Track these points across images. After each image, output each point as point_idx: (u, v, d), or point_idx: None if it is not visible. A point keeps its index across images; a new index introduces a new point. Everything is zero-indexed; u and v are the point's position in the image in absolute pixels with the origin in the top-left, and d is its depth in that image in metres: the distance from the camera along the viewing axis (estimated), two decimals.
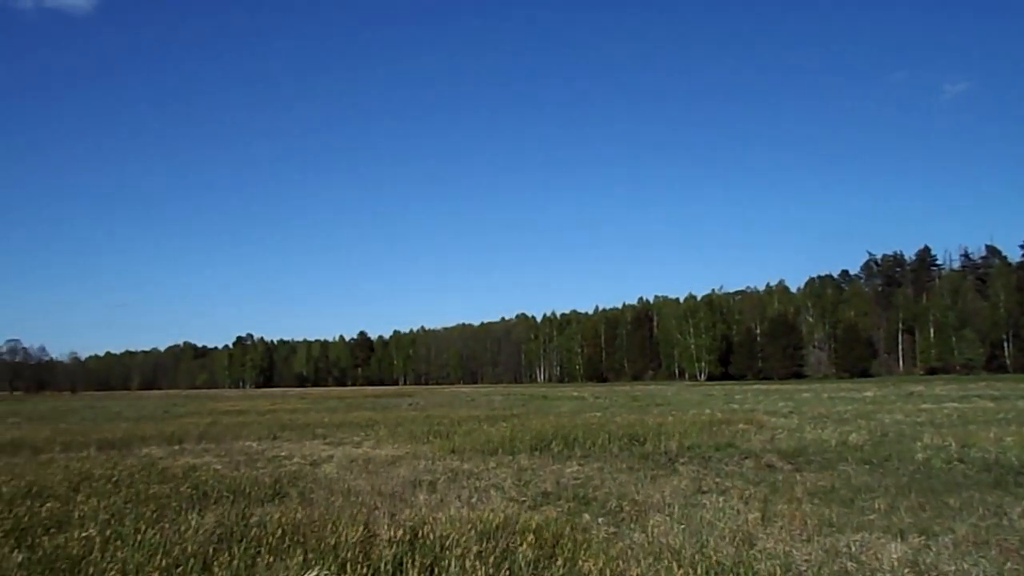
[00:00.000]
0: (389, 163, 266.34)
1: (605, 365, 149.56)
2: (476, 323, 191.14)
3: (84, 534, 7.40)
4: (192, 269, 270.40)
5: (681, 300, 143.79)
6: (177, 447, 19.92)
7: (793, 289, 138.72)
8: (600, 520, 9.34)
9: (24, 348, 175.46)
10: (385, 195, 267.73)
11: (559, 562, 6.80)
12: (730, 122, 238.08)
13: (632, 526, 8.87)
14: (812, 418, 25.46)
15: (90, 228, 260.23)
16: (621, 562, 6.91)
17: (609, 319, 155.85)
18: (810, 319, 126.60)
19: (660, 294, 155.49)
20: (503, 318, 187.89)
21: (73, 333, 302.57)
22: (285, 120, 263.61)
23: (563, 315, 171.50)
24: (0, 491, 10.75)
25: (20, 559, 6.49)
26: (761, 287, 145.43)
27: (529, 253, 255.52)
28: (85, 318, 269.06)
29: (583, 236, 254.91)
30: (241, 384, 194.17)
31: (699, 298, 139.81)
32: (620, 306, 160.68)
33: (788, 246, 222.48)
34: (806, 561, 7.32)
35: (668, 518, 9.22)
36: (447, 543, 7.24)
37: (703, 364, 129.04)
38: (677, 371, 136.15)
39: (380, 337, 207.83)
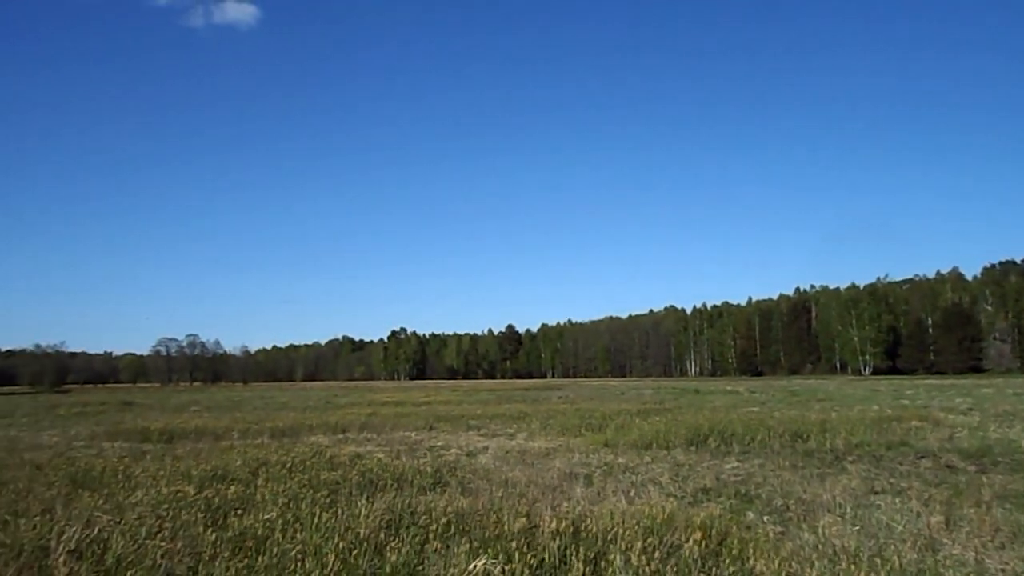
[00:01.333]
0: (532, 156, 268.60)
1: (760, 358, 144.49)
2: (623, 316, 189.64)
3: (266, 516, 7.88)
4: (351, 267, 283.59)
5: (842, 290, 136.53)
6: (341, 436, 20.94)
7: (968, 277, 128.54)
8: (765, 519, 8.98)
9: (202, 342, 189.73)
10: (531, 189, 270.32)
11: (727, 561, 6.57)
12: (894, 100, 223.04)
13: (801, 526, 8.46)
14: (996, 416, 23.47)
15: (260, 232, 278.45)
16: (794, 563, 6.60)
17: (763, 310, 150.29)
18: (989, 308, 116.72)
19: (818, 284, 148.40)
20: (651, 310, 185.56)
21: (244, 328, 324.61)
22: (428, 119, 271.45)
23: (714, 307, 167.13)
24: (190, 474, 11.64)
25: (213, 537, 6.98)
26: (931, 275, 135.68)
27: (677, 244, 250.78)
28: (255, 314, 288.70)
29: (733, 225, 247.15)
30: (396, 376, 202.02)
31: (862, 287, 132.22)
32: (775, 297, 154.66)
33: (958, 232, 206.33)
34: (1001, 571, 6.72)
35: (840, 519, 8.73)
36: (609, 536, 7.17)
37: (867, 357, 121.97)
38: (838, 365, 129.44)
39: (528, 331, 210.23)
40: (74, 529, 6.85)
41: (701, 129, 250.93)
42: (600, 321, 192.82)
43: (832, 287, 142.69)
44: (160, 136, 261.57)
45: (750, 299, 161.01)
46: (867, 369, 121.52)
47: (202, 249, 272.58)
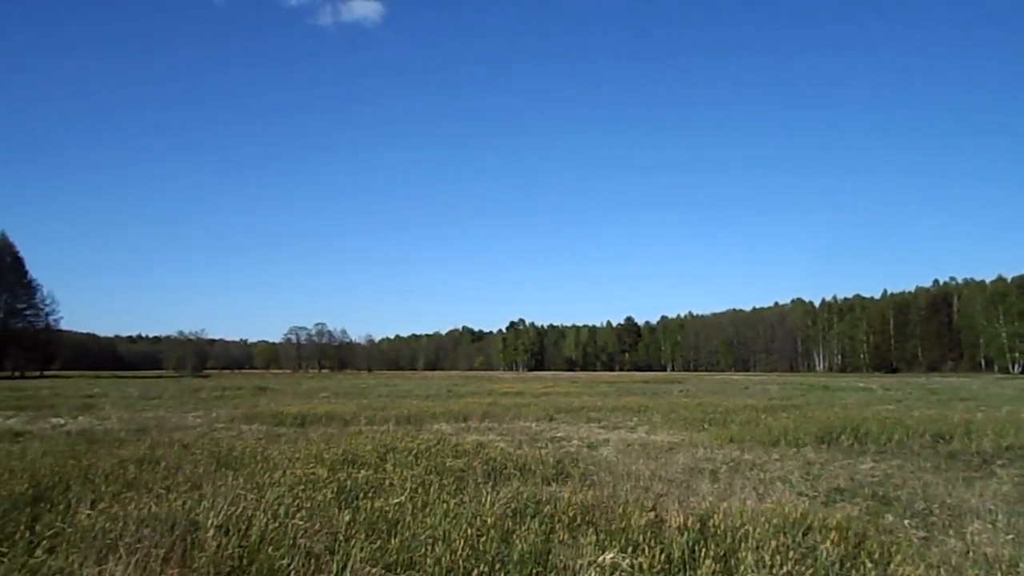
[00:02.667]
0: (656, 147, 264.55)
1: (894, 354, 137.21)
2: (747, 308, 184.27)
3: (396, 500, 8.10)
4: (470, 258, 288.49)
5: (988, 282, 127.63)
6: (463, 424, 21.30)
7: None
8: (907, 522, 8.50)
9: (329, 331, 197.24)
10: (652, 181, 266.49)
11: (867, 564, 6.25)
12: None
13: (947, 532, 7.95)
14: None
15: (383, 225, 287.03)
16: (942, 571, 6.20)
17: (898, 304, 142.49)
18: None
19: (960, 276, 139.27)
20: (776, 303, 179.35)
21: (369, 318, 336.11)
22: (550, 111, 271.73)
23: (845, 300, 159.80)
24: (323, 457, 12.12)
25: (347, 519, 7.24)
26: None
27: (802, 235, 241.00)
28: (378, 304, 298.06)
29: (864, 215, 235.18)
30: (514, 367, 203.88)
31: (1010, 280, 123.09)
32: (912, 290, 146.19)
33: None
34: None
35: (990, 526, 8.15)
36: (739, 534, 6.96)
37: (1016, 355, 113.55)
38: (983, 362, 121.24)
39: (647, 323, 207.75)
40: (221, 506, 7.25)
41: (828, 113, 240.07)
42: (722, 314, 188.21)
43: (977, 279, 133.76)
44: (286, 134, 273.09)
45: (884, 292, 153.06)
46: (1016, 367, 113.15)
47: (330, 242, 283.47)
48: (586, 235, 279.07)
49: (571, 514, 7.59)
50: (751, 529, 6.96)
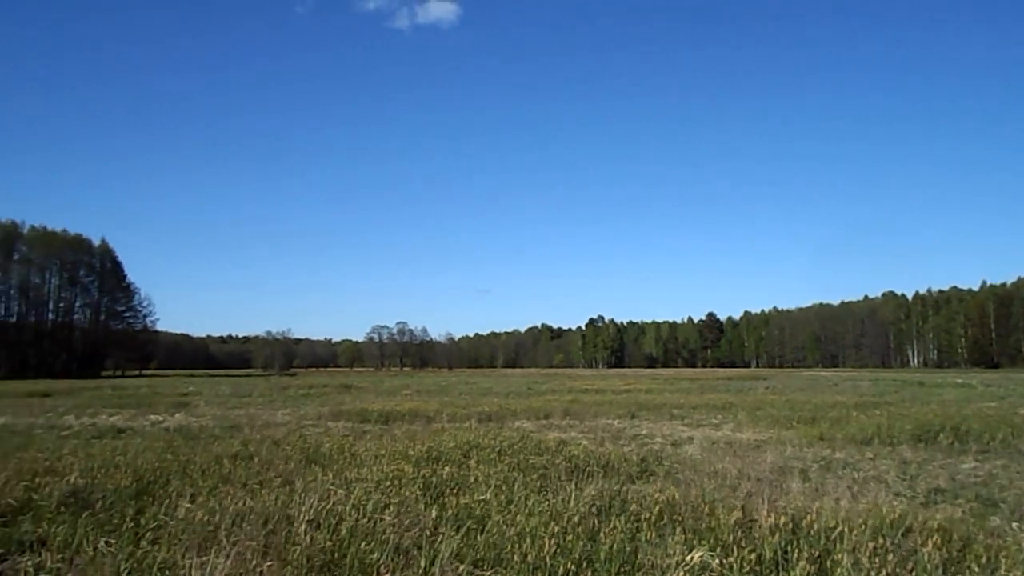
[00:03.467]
0: (735, 139, 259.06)
1: (996, 348, 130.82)
2: (835, 302, 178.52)
3: (481, 497, 8.14)
4: (549, 256, 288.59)
5: None
6: (544, 422, 21.30)
7: None
8: (1014, 526, 8.06)
9: (410, 330, 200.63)
10: (726, 171, 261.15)
11: (974, 569, 5.95)
12: None
13: None
14: None
15: (461, 224, 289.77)
16: None
17: (1000, 296, 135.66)
18: None
19: None
20: (866, 296, 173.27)
21: (449, 316, 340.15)
22: (625, 109, 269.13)
23: (940, 292, 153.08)
24: (408, 454, 12.29)
25: (434, 515, 7.32)
26: None
27: (893, 225, 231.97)
28: (458, 303, 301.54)
29: (960, 203, 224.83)
30: (594, 364, 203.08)
31: None
32: (1014, 280, 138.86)
33: None
34: None
35: None
36: (833, 535, 6.73)
37: None
38: None
39: (729, 318, 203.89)
40: (312, 501, 7.43)
41: (923, 100, 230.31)
42: (808, 308, 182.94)
43: None
44: (368, 137, 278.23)
45: (984, 283, 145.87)
46: None
47: (412, 242, 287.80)
48: (665, 230, 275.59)
49: (657, 512, 7.48)
50: (846, 530, 6.72)
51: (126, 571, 5.69)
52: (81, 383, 59.76)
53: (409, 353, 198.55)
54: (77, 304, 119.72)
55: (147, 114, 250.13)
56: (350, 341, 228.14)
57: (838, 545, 6.42)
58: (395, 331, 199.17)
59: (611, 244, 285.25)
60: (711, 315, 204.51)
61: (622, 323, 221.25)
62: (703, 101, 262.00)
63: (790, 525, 7.04)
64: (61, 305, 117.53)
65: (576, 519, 7.10)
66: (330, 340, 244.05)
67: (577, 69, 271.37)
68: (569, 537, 6.49)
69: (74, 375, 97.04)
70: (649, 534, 6.70)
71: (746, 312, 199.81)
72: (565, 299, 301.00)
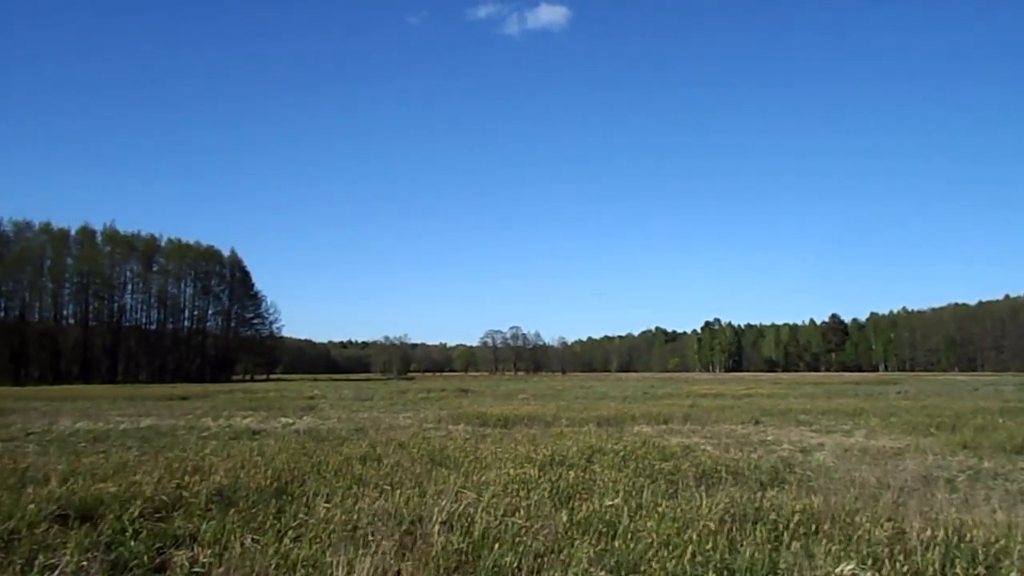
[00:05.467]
0: (863, 131, 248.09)
1: None
2: (971, 302, 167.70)
3: (611, 503, 8.01)
4: (662, 258, 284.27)
5: None
6: (664, 427, 20.89)
7: None
8: None
9: (524, 334, 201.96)
10: (850, 166, 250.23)
11: None
12: None
13: None
14: None
15: (574, 228, 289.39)
16: None
17: None
18: None
19: None
20: (1007, 295, 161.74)
21: (562, 320, 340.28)
22: (745, 109, 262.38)
23: None
24: (531, 457, 12.29)
25: (565, 519, 7.26)
26: None
27: None
28: (571, 307, 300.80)
29: None
30: (710, 367, 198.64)
31: None
32: None
33: None
34: None
35: None
36: (992, 550, 6.24)
37: None
38: None
39: (855, 320, 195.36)
40: (444, 503, 7.52)
41: None
42: (942, 309, 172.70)
43: None
44: (481, 144, 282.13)
45: None
46: None
47: (524, 247, 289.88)
48: (783, 229, 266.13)
49: (797, 521, 7.16)
50: (1012, 545, 6.22)
51: (272, 567, 5.90)
52: (215, 387, 63.23)
53: (522, 357, 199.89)
54: (210, 312, 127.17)
55: (272, 125, 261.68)
56: (464, 346, 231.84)
57: (1005, 561, 5.94)
58: (508, 335, 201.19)
59: (727, 244, 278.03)
60: (835, 317, 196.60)
61: (739, 326, 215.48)
62: (826, 91, 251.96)
63: (953, 540, 6.57)
64: (195, 313, 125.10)
65: (713, 527, 6.87)
66: (445, 345, 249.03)
67: (686, 65, 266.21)
68: (707, 545, 6.29)
69: (208, 379, 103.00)
70: (791, 544, 6.41)
71: (872, 314, 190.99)
72: (679, 302, 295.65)
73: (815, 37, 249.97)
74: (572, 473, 10.49)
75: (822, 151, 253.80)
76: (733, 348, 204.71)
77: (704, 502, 8.09)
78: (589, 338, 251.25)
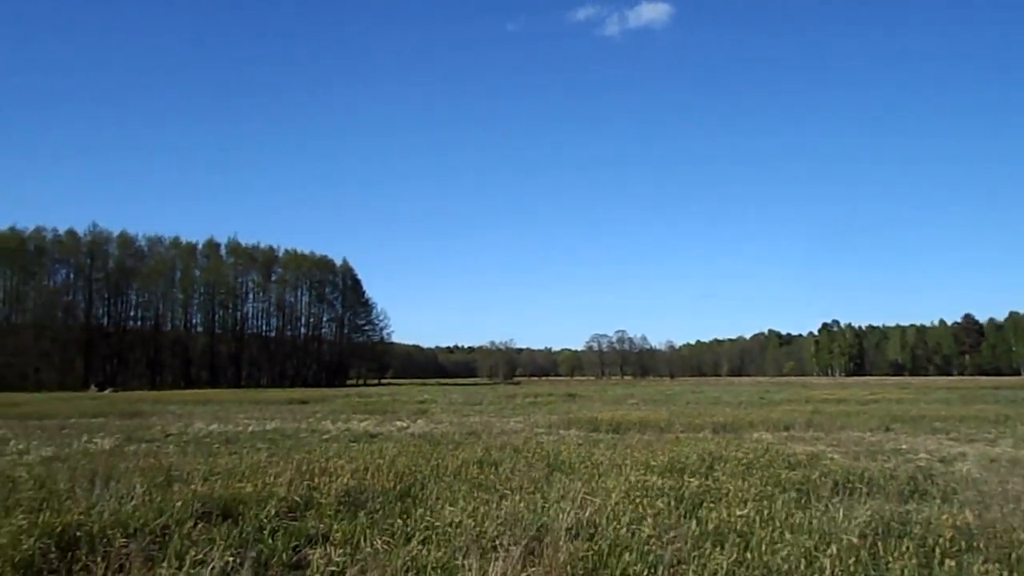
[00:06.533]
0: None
1: None
2: None
3: (741, 513, 7.70)
4: (774, 259, 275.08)
5: None
6: (785, 433, 20.11)
7: None
8: None
9: (630, 338, 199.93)
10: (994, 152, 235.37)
11: None
12: None
13: None
14: None
15: (676, 229, 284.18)
16: None
17: None
18: None
19: None
20: None
21: (669, 323, 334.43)
22: (867, 106, 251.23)
23: None
24: (649, 464, 12.03)
25: (694, 528, 7.03)
26: None
27: None
28: (678, 309, 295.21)
29: None
30: (829, 372, 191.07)
31: None
32: None
33: None
34: None
35: None
36: None
37: None
38: None
39: (991, 320, 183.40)
40: (568, 509, 7.42)
41: None
42: None
43: None
44: (583, 146, 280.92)
45: None
46: None
47: (630, 250, 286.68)
48: (909, 224, 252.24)
49: (948, 537, 6.67)
50: None
51: (404, 570, 5.95)
52: (331, 391, 65.39)
53: (629, 362, 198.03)
54: (324, 319, 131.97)
55: (384, 134, 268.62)
56: (570, 350, 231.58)
57: None
58: (614, 339, 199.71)
59: (844, 243, 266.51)
60: (968, 317, 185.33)
61: (860, 327, 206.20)
62: (941, 86, 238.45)
63: None
64: (311, 320, 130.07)
65: (856, 540, 6.48)
66: (550, 349, 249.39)
67: (795, 58, 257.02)
68: (849, 560, 5.94)
69: (323, 384, 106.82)
70: (944, 562, 5.96)
71: (1012, 313, 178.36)
72: (794, 302, 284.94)
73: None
74: (695, 481, 10.19)
75: (941, 145, 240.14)
76: (854, 351, 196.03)
77: (840, 514, 7.67)
78: (698, 341, 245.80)
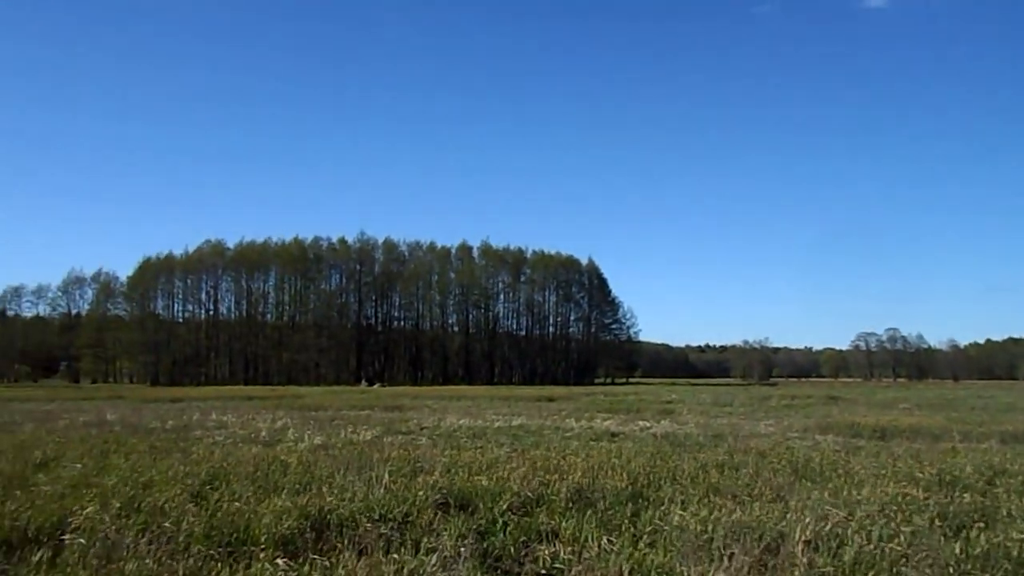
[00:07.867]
0: None
1: None
2: None
3: (1020, 537, 6.68)
4: None
5: None
6: None
7: None
8: None
9: (903, 337, 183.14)
10: None
11: None
12: None
13: None
14: None
15: (955, 216, 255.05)
16: None
17: None
18: None
19: None
20: None
21: (951, 320, 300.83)
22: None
23: None
24: (914, 475, 10.87)
25: (957, 551, 6.23)
26: None
27: None
28: (962, 305, 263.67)
29: None
30: None
31: None
32: None
33: None
34: None
35: None
36: None
37: None
38: None
39: None
40: (808, 520, 6.90)
41: None
42: None
43: None
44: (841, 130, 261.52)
45: None
46: None
47: (901, 240, 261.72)
48: None
49: None
50: None
51: (627, 571, 5.85)
52: (579, 389, 66.66)
53: (903, 362, 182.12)
54: (571, 318, 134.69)
55: (624, 136, 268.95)
56: (833, 350, 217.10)
57: None
58: (885, 338, 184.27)
59: None
60: None
61: None
62: None
63: None
64: (559, 319, 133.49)
65: None
66: (810, 349, 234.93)
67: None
68: None
69: (571, 382, 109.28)
70: None
71: None
72: None
73: None
74: (968, 497, 9.05)
75: None
76: None
77: None
78: (988, 340, 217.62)
